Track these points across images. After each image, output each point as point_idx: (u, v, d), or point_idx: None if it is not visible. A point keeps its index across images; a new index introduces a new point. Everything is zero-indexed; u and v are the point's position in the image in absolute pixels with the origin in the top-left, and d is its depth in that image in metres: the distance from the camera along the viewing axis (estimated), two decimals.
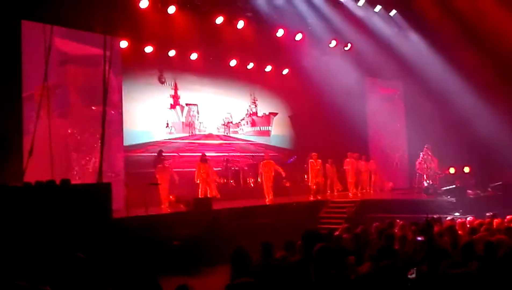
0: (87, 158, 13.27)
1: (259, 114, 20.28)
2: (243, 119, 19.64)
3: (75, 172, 12.97)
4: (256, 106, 20.10)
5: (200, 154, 15.82)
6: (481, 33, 16.66)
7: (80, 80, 13.62)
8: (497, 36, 16.35)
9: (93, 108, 13.57)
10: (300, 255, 5.12)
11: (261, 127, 20.35)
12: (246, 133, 19.76)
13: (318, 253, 4.14)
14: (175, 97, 17.54)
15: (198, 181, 15.07)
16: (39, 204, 8.48)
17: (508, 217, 9.02)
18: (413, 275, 3.47)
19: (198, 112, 18.08)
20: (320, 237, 5.49)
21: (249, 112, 19.94)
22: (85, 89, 13.66)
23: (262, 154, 17.89)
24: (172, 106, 17.47)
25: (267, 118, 20.64)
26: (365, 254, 6.48)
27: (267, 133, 20.54)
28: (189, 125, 17.77)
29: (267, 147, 19.76)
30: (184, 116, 17.77)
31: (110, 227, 9.51)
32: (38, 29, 12.22)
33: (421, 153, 17.19)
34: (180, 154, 16.74)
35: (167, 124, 17.22)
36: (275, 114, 20.66)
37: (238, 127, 19.31)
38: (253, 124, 20.11)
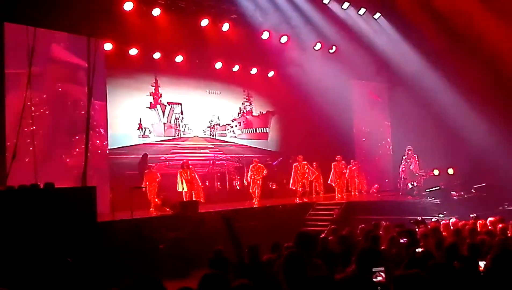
0: (72, 162, 13.15)
1: (255, 113, 19.85)
2: (234, 120, 19.31)
3: (59, 176, 12.83)
4: (250, 103, 19.75)
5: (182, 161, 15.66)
6: (466, 36, 16.84)
7: (64, 82, 13.50)
8: (482, 39, 16.53)
9: (78, 111, 13.46)
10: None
11: (257, 129, 19.89)
12: (238, 136, 19.32)
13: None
14: (156, 95, 17.00)
15: (181, 190, 14.83)
16: (23, 208, 8.39)
17: (490, 219, 9.12)
18: (380, 278, 3.41)
19: (182, 113, 17.72)
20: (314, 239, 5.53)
21: (242, 111, 19.63)
22: (69, 92, 13.55)
23: (250, 156, 17.81)
24: (152, 106, 16.94)
25: (265, 118, 20.18)
26: (351, 256, 6.51)
27: (264, 136, 20.08)
28: (172, 127, 17.49)
29: (253, 150, 19.56)
30: (166, 117, 17.32)
31: (95, 231, 9.43)
32: (21, 32, 12.10)
33: (403, 157, 17.36)
34: (165, 156, 16.66)
35: (140, 124, 16.48)
36: (274, 113, 20.20)
37: (226, 129, 19.18)
38: (248, 125, 19.69)
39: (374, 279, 3.39)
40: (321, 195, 17.85)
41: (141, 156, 15.75)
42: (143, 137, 16.57)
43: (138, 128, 16.51)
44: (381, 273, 3.59)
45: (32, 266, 7.06)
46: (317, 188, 18.16)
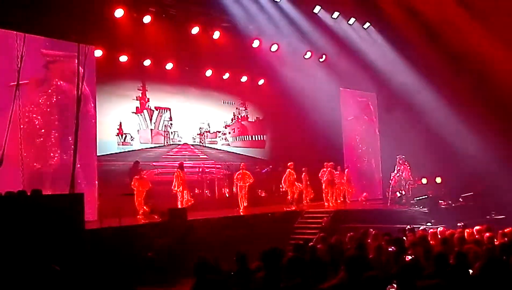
0: (60, 168, 13.04)
1: (251, 118, 19.63)
2: (227, 126, 19.16)
3: (47, 183, 12.73)
4: (246, 108, 19.56)
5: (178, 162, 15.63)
6: (455, 46, 17.04)
7: (53, 89, 13.42)
8: (472, 49, 16.72)
9: (67, 117, 13.38)
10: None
11: (253, 137, 19.64)
12: (232, 144, 19.08)
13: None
14: (143, 100, 16.66)
15: (177, 189, 14.80)
16: (10, 215, 8.31)
17: (476, 227, 9.19)
18: None
19: (171, 119, 17.55)
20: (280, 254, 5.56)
21: (236, 117, 19.46)
22: (58, 98, 13.46)
23: (239, 163, 17.79)
24: (139, 110, 16.61)
25: (262, 124, 19.95)
26: (340, 264, 6.52)
27: (261, 144, 19.80)
28: (161, 134, 17.34)
29: (245, 157, 19.43)
30: (153, 123, 17.11)
31: (83, 239, 9.37)
32: (10, 38, 12.05)
33: (395, 166, 17.42)
34: (154, 163, 16.58)
35: (120, 130, 16.07)
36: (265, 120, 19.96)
37: (216, 136, 19.11)
38: (243, 132, 19.48)
39: None
40: (307, 203, 17.81)
41: (132, 163, 15.64)
42: (122, 145, 16.17)
43: (118, 134, 16.09)
44: (394, 285, 3.57)
45: (20, 273, 6.99)
46: (306, 196, 18.15)
